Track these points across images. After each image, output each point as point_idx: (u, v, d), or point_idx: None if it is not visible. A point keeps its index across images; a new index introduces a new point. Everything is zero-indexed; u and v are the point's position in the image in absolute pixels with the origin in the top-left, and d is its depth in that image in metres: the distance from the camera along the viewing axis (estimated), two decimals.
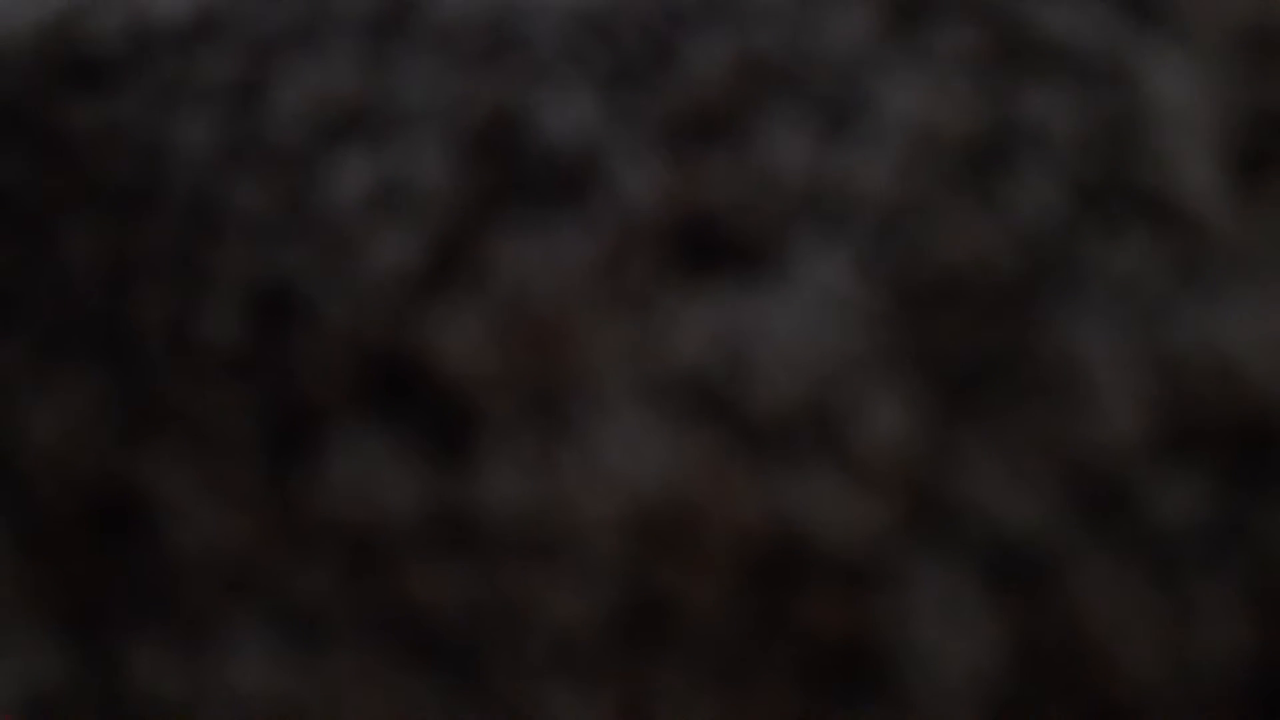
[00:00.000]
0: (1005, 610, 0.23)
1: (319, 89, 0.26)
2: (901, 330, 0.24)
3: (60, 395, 0.25)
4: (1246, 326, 0.24)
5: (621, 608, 0.24)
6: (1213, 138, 0.25)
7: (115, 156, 0.26)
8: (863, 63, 0.25)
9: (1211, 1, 0.26)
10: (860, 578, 0.23)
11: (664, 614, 0.24)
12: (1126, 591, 0.23)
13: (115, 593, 0.25)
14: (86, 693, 0.24)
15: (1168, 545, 0.23)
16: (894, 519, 0.23)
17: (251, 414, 0.25)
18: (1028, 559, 0.23)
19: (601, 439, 0.24)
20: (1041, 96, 0.25)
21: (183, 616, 0.24)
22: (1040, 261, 0.24)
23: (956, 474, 0.23)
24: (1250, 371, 0.24)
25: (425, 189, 0.25)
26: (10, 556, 0.25)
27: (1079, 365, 0.24)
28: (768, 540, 0.24)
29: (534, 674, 0.24)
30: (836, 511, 0.24)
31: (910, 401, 0.24)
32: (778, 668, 0.23)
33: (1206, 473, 0.23)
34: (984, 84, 0.25)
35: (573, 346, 0.24)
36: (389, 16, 0.26)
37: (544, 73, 0.26)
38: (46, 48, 0.27)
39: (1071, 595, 0.23)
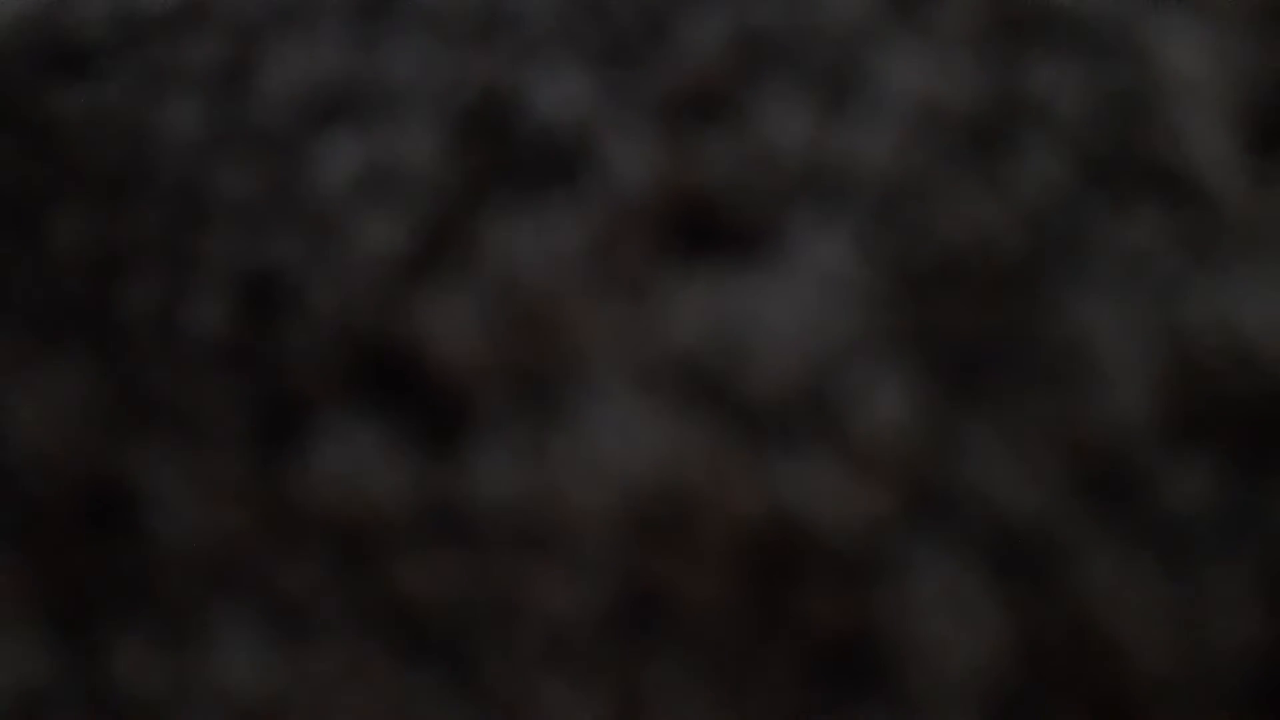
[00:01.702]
0: (1009, 601, 0.22)
1: (306, 72, 0.25)
2: (902, 312, 0.23)
3: (46, 387, 0.25)
4: (1261, 304, 0.23)
5: (616, 600, 0.23)
6: (1227, 111, 0.24)
7: (101, 143, 0.26)
8: (862, 37, 0.24)
9: None
10: (860, 568, 0.23)
11: (659, 606, 0.23)
12: (1135, 581, 0.22)
13: (101, 587, 0.24)
14: (72, 687, 0.24)
15: (1178, 532, 0.22)
16: (894, 507, 0.23)
17: (239, 404, 0.24)
18: (1033, 548, 0.22)
19: (594, 426, 0.23)
20: (1047, 70, 0.24)
21: (169, 610, 0.24)
22: (1046, 239, 0.23)
23: (959, 460, 0.23)
24: (1264, 351, 0.23)
25: (414, 172, 0.25)
26: (3, 551, 0.25)
27: (1086, 346, 0.23)
28: (765, 530, 0.23)
29: (527, 668, 0.23)
30: (835, 500, 0.23)
31: (911, 385, 0.23)
32: (776, 661, 0.23)
33: (1218, 456, 0.22)
34: (987, 58, 0.24)
35: (565, 332, 0.24)
36: None
37: (535, 51, 0.25)
38: (33, 35, 0.27)
39: (1078, 585, 0.22)
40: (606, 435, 0.23)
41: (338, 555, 0.24)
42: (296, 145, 0.25)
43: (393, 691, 0.23)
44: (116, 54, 0.26)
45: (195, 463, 0.24)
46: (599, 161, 0.24)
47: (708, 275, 0.24)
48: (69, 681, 0.24)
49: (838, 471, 0.23)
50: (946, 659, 0.22)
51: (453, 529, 0.24)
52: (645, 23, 0.25)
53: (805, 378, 0.23)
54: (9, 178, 0.26)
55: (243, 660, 0.24)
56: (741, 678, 0.23)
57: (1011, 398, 0.23)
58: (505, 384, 0.24)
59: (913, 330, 0.23)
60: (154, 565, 0.24)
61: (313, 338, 0.24)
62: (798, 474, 0.23)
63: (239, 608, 0.24)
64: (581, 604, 0.23)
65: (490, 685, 0.23)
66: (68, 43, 0.26)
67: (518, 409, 0.24)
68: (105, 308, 0.25)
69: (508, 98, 0.25)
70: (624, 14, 0.25)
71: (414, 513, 0.24)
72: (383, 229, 0.24)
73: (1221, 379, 0.23)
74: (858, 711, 0.22)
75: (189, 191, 0.25)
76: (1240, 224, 0.23)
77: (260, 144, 0.25)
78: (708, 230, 0.24)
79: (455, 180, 0.25)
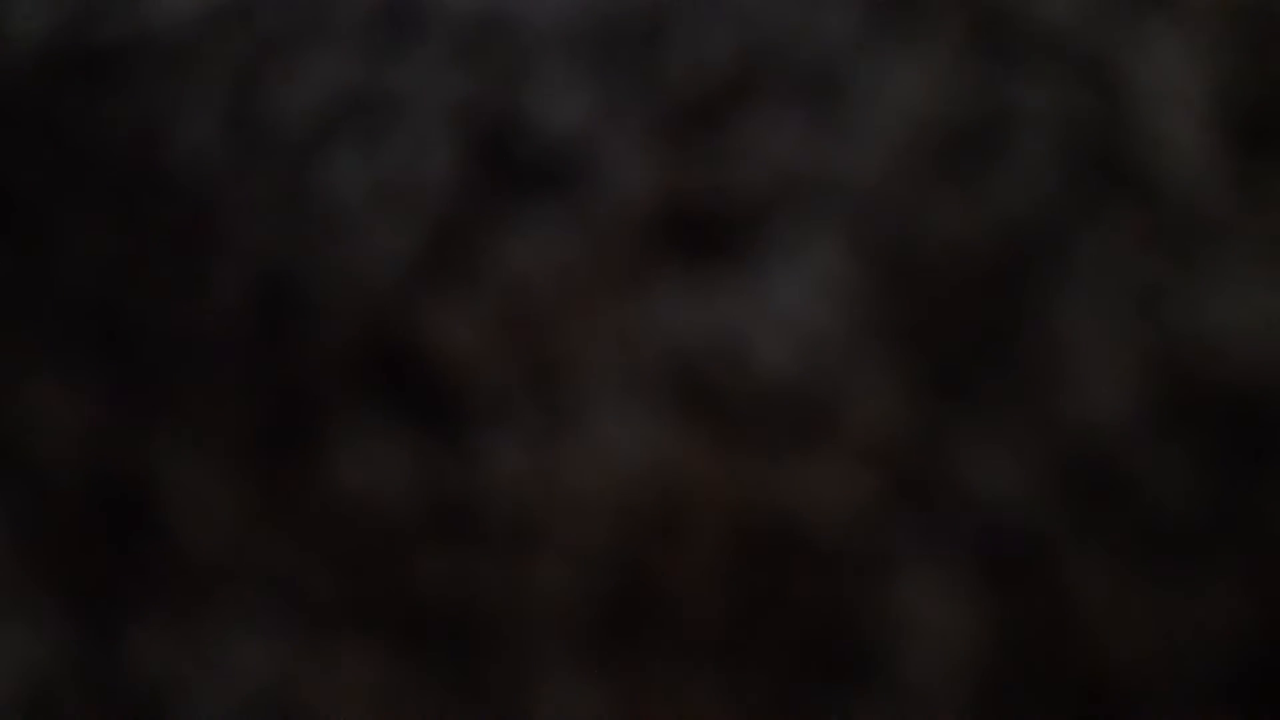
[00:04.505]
0: (995, 593, 0.23)
1: (320, 84, 0.26)
2: (890, 314, 0.24)
3: (68, 386, 0.26)
4: (1237, 305, 0.24)
5: (614, 590, 0.24)
6: (1206, 116, 0.25)
7: (119, 150, 0.27)
8: (852, 51, 0.25)
9: None
10: (849, 559, 0.23)
11: (656, 596, 0.24)
12: (1119, 574, 0.23)
13: (119, 578, 0.25)
14: (89, 673, 0.25)
15: (1161, 527, 0.23)
16: (884, 500, 0.24)
17: (253, 402, 0.25)
18: (1018, 541, 0.23)
19: (595, 423, 0.24)
20: (1029, 80, 0.25)
21: (184, 600, 0.25)
22: (1028, 243, 0.24)
23: (946, 456, 0.24)
24: (1241, 349, 0.23)
25: (423, 179, 0.26)
26: (17, 541, 0.25)
27: (1067, 347, 0.24)
28: (758, 523, 0.24)
29: (529, 656, 0.24)
30: (826, 493, 0.24)
31: (899, 384, 0.24)
32: (769, 650, 0.23)
33: (1197, 454, 0.23)
34: (971, 70, 0.25)
35: (566, 334, 0.25)
36: (389, 11, 0.27)
37: (539, 64, 0.26)
38: (55, 44, 0.28)
39: (1063, 578, 0.23)
40: (606, 431, 0.24)
41: (348, 547, 0.25)
42: (310, 153, 0.26)
43: (399, 678, 0.24)
44: (135, 63, 0.27)
45: (210, 458, 0.25)
46: (599, 172, 0.25)
47: (704, 277, 0.25)
48: (86, 668, 0.25)
49: (828, 466, 0.24)
50: (933, 648, 0.23)
51: (459, 522, 0.24)
52: (646, 38, 0.26)
53: (796, 376, 0.24)
54: (31, 184, 0.27)
55: (255, 648, 0.24)
56: (736, 667, 0.24)
57: (997, 396, 0.24)
58: (509, 383, 0.25)
59: (900, 331, 0.24)
60: (170, 559, 0.25)
61: (324, 338, 0.25)
62: (789, 468, 0.24)
63: (252, 597, 0.25)
64: (582, 594, 0.24)
65: (493, 673, 0.24)
66: (89, 52, 0.27)
67: (521, 407, 0.25)
68: (123, 310, 0.26)
69: (513, 109, 0.26)
70: (625, 30, 0.26)
71: (421, 506, 0.25)
72: (392, 234, 0.25)
73: (1200, 378, 0.23)
74: (849, 698, 0.23)
75: (205, 197, 0.26)
76: (1218, 226, 0.24)
77: (274, 152, 0.26)
78: (703, 236, 0.25)
79: (462, 187, 0.25)
